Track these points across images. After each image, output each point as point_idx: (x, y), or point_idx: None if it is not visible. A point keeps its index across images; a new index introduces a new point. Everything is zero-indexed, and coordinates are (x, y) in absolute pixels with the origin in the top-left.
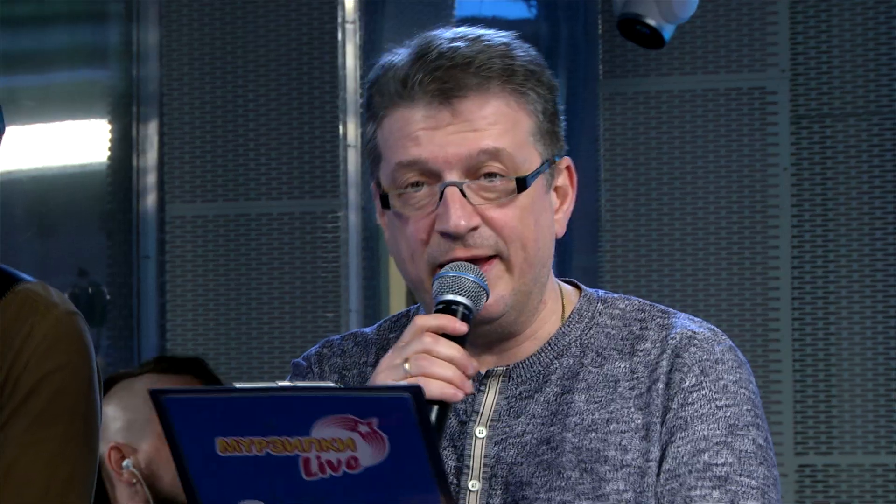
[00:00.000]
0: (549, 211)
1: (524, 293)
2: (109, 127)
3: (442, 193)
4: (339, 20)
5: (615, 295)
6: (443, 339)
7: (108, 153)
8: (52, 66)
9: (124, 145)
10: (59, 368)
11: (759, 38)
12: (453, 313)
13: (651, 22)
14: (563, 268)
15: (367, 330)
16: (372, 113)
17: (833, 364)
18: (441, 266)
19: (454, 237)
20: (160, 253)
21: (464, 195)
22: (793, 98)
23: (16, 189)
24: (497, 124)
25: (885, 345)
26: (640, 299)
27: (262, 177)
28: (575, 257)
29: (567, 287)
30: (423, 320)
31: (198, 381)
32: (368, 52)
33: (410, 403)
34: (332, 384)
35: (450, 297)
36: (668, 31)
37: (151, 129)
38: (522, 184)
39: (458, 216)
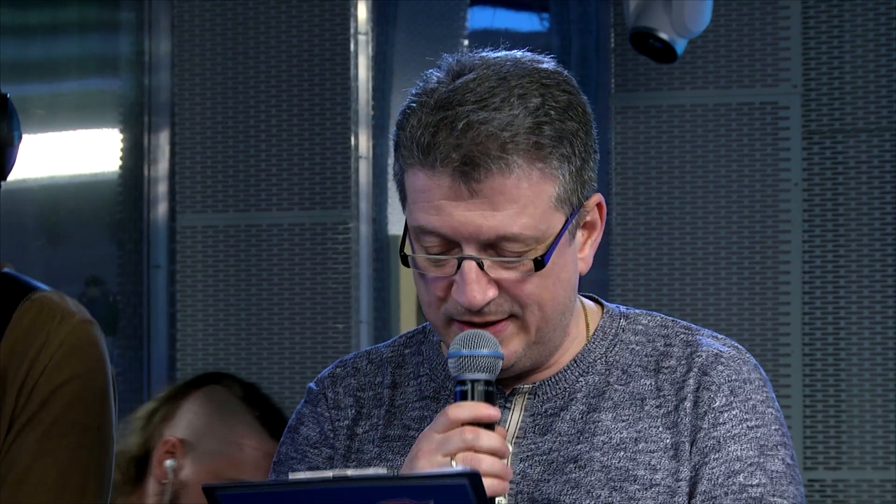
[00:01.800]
0: (571, 261)
1: (540, 344)
2: (121, 136)
3: (460, 264)
4: (352, 31)
5: (637, 311)
6: (482, 431)
7: (120, 162)
8: (63, 75)
9: (135, 155)
10: (74, 378)
11: (772, 53)
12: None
13: (663, 36)
14: None
15: (381, 347)
16: (398, 155)
17: (843, 379)
18: (457, 322)
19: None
20: (171, 262)
21: (481, 267)
22: (805, 113)
23: (26, 198)
24: (517, 202)
25: (895, 360)
26: (662, 315)
27: (273, 187)
28: None
29: (589, 304)
30: (455, 413)
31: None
32: (380, 63)
33: (469, 489)
34: (387, 473)
35: (470, 376)
36: (680, 46)
37: (163, 139)
38: (540, 263)
39: (474, 292)
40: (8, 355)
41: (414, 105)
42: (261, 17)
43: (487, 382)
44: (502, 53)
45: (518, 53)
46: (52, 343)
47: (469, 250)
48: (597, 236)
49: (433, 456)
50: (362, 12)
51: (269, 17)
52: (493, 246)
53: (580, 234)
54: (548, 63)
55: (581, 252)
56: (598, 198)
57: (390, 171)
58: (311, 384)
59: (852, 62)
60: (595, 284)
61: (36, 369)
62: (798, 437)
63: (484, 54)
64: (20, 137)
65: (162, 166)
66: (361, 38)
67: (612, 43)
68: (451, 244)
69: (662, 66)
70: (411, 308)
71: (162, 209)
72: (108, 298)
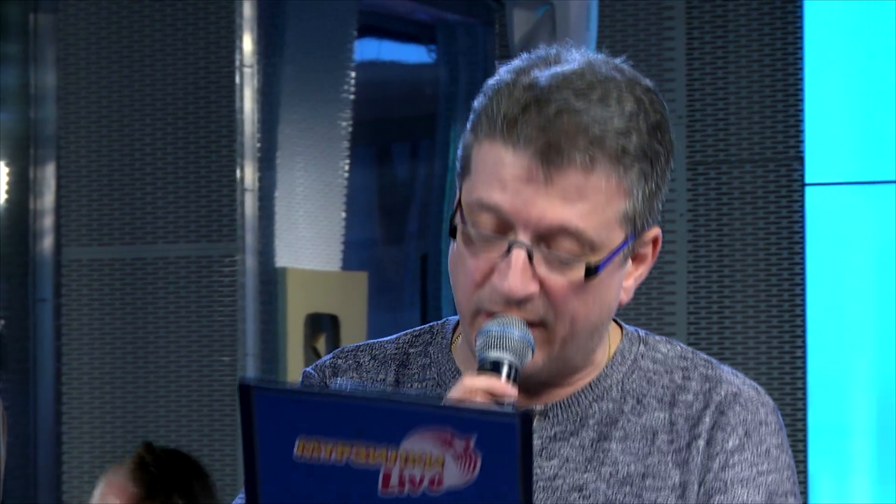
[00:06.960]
0: (616, 286)
1: (561, 360)
2: (6, 169)
3: (509, 249)
4: (237, 64)
5: (656, 336)
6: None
7: (5, 195)
8: None
9: (21, 188)
10: None
11: (657, 83)
12: (499, 372)
13: None
14: None
15: (385, 342)
16: (475, 124)
17: None
18: (486, 313)
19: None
20: (56, 296)
21: (531, 259)
22: (689, 144)
23: None
24: (588, 200)
25: (780, 390)
26: (682, 344)
27: (159, 220)
28: None
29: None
30: (471, 381)
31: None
32: (266, 95)
33: (517, 428)
34: (434, 397)
35: (495, 354)
36: None
37: (48, 172)
38: (593, 271)
39: (517, 280)
40: None
41: (508, 78)
42: (146, 49)
43: (511, 366)
44: (602, 56)
45: (618, 61)
46: None
47: (523, 237)
48: (643, 270)
49: None
50: (248, 44)
51: (154, 49)
52: (548, 241)
53: (630, 264)
54: (648, 81)
55: (626, 282)
56: (656, 231)
57: (276, 202)
58: (309, 369)
59: (736, 93)
60: None
61: None
62: None
63: (583, 51)
64: None
65: (47, 199)
66: (247, 70)
67: None
68: (505, 227)
69: None
70: (299, 340)
71: (48, 242)
72: None
